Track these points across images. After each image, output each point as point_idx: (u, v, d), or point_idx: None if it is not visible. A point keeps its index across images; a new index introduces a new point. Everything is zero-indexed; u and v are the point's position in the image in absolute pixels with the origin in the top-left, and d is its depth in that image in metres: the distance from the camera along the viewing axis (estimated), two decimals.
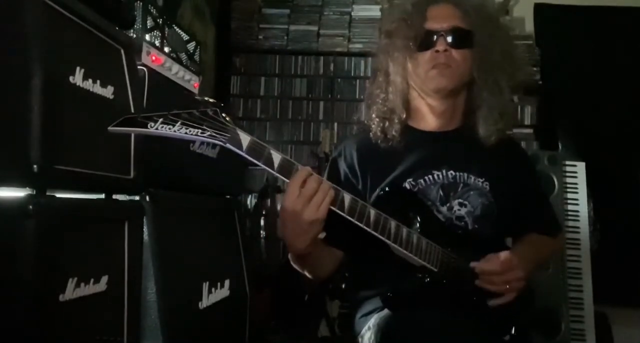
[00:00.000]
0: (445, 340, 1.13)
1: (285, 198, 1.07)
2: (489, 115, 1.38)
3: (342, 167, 1.40)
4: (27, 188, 0.95)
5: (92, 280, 1.05)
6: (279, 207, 2.84)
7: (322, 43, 3.48)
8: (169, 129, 0.94)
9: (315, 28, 3.48)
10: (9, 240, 0.90)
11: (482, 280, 1.24)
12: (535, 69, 3.26)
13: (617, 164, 3.09)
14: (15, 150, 0.93)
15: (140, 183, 1.26)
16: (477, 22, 1.36)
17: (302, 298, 2.52)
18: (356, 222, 1.12)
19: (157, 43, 1.74)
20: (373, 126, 1.40)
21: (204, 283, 1.50)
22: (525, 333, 1.34)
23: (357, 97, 3.43)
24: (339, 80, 3.48)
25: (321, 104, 3.47)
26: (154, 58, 1.47)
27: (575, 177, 2.63)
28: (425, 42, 1.34)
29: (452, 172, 1.37)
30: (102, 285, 1.08)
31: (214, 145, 1.61)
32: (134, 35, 1.59)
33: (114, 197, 1.21)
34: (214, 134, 0.97)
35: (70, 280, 0.98)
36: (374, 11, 3.43)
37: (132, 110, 1.22)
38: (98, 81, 1.11)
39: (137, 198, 1.30)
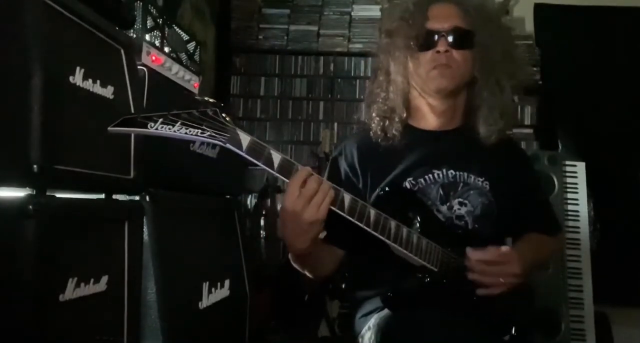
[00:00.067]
0: (445, 340, 1.13)
1: (286, 198, 1.07)
2: (489, 115, 1.38)
3: (343, 166, 1.40)
4: (27, 188, 0.95)
5: (92, 280, 1.05)
6: (279, 207, 2.84)
7: (322, 43, 3.48)
8: (169, 129, 0.94)
9: (315, 28, 3.48)
10: (9, 240, 0.89)
11: (475, 271, 1.23)
12: (535, 69, 3.25)
13: (617, 164, 3.08)
14: (15, 150, 0.93)
15: (140, 183, 1.26)
16: (478, 22, 1.36)
17: (302, 298, 2.52)
18: (356, 222, 1.12)
19: (157, 43, 1.74)
20: (373, 125, 1.40)
21: (204, 283, 1.50)
22: (526, 333, 1.34)
23: (357, 97, 3.43)
24: (339, 80, 3.48)
25: (321, 104, 3.47)
26: (154, 58, 1.47)
27: (575, 177, 2.63)
28: (426, 42, 1.34)
29: (452, 171, 1.37)
30: (102, 285, 1.08)
31: (214, 145, 1.61)
32: (134, 35, 1.59)
33: (114, 197, 1.21)
34: (214, 134, 0.97)
35: (70, 280, 0.98)
36: (374, 11, 3.43)
37: (132, 110, 1.22)
38: (98, 81, 1.11)
39: (137, 198, 1.30)
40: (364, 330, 1.34)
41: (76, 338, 1.00)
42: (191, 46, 2.02)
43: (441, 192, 1.35)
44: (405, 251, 1.19)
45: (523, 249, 1.36)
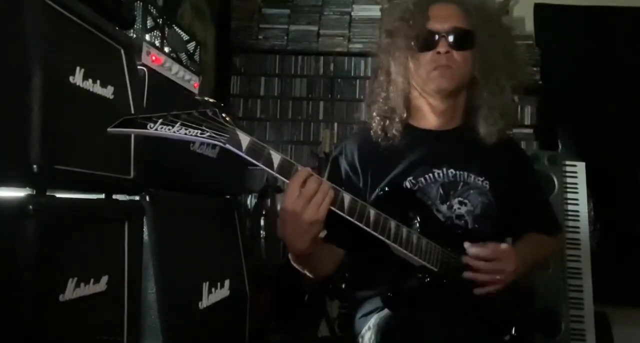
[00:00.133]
0: (445, 340, 1.13)
1: (285, 198, 1.07)
2: (490, 115, 1.38)
3: (343, 164, 1.40)
4: (27, 188, 0.95)
5: (92, 280, 1.05)
6: (279, 207, 2.83)
7: (322, 43, 3.47)
8: (169, 129, 0.94)
9: (315, 28, 3.48)
10: (9, 240, 0.90)
11: (472, 266, 1.23)
12: (535, 69, 3.25)
13: (617, 164, 3.08)
14: (15, 150, 0.93)
15: (140, 184, 1.26)
16: (479, 22, 1.36)
17: (302, 298, 2.52)
18: (356, 222, 1.12)
19: (157, 43, 1.74)
20: (374, 124, 1.40)
21: (204, 283, 1.51)
22: (526, 333, 1.34)
23: (357, 97, 3.43)
24: (339, 80, 3.48)
25: (321, 104, 3.47)
26: (154, 58, 1.47)
27: (575, 177, 2.63)
28: (426, 42, 1.34)
29: (452, 170, 1.37)
30: (102, 285, 1.08)
31: (214, 146, 1.61)
32: (134, 35, 1.59)
33: (114, 197, 1.21)
34: (213, 135, 0.97)
35: (70, 280, 0.98)
36: (374, 11, 3.43)
37: (132, 110, 1.22)
38: (98, 81, 1.11)
39: (137, 198, 1.30)
40: (364, 330, 1.35)
41: (76, 338, 1.00)
42: (191, 46, 2.02)
43: (441, 191, 1.35)
44: (405, 251, 1.19)
45: (522, 249, 1.36)
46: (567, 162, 2.64)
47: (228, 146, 0.99)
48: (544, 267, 2.45)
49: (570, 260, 2.56)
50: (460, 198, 1.36)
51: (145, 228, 1.29)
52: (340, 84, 3.48)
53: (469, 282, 1.24)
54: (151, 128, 0.93)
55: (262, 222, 2.87)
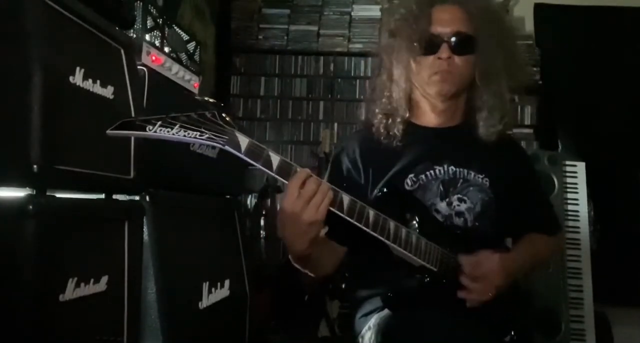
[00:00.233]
0: (445, 340, 1.13)
1: (284, 199, 1.06)
2: (490, 117, 1.38)
3: (345, 161, 1.40)
4: (27, 188, 0.96)
5: (92, 280, 1.05)
6: (279, 207, 2.83)
7: (322, 43, 3.48)
8: (168, 131, 0.94)
9: (315, 28, 3.48)
10: (9, 240, 0.90)
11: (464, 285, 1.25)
12: (535, 69, 3.25)
13: (617, 164, 3.09)
14: (15, 150, 0.93)
15: (140, 184, 1.26)
16: (482, 25, 1.35)
17: (302, 298, 2.52)
18: (355, 223, 1.12)
19: (157, 43, 1.74)
20: (376, 122, 1.40)
21: (204, 283, 1.51)
22: (526, 334, 1.34)
23: (357, 97, 3.43)
24: (339, 80, 3.48)
25: (321, 104, 3.47)
26: (154, 58, 1.47)
27: (575, 177, 2.63)
28: (429, 46, 1.33)
29: (452, 167, 1.37)
30: (102, 285, 1.08)
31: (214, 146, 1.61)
32: (134, 35, 1.59)
33: (114, 197, 1.21)
34: (212, 137, 0.97)
35: (70, 280, 0.99)
36: (374, 11, 3.43)
37: (132, 110, 1.22)
38: (98, 81, 1.11)
39: (137, 198, 1.31)
40: (364, 330, 1.35)
41: (76, 338, 1.00)
42: (191, 46, 2.02)
43: (441, 188, 1.35)
44: (404, 251, 1.19)
45: (521, 250, 1.37)
46: (567, 162, 2.63)
47: (227, 148, 0.99)
48: (544, 266, 2.45)
49: (570, 260, 2.56)
50: (459, 195, 1.36)
51: (145, 228, 1.29)
52: (340, 84, 3.48)
53: None
54: (150, 130, 0.93)
55: (262, 222, 2.87)
